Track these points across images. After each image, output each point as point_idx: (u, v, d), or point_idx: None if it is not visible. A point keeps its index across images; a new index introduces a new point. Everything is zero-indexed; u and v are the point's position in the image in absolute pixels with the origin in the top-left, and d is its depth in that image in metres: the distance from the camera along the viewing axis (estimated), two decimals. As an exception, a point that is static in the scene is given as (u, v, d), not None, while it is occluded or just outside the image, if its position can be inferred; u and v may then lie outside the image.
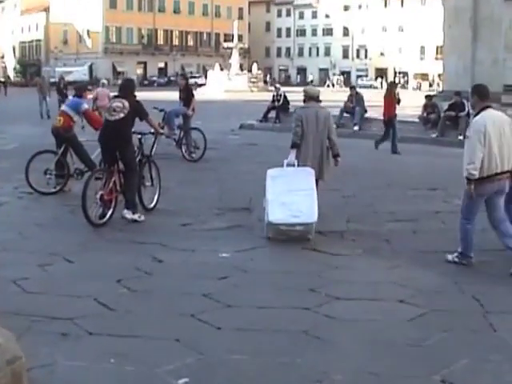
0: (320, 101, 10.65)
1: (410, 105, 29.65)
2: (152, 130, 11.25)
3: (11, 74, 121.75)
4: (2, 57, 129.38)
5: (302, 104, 10.68)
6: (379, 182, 14.03)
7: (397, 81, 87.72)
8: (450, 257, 8.11)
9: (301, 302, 6.53)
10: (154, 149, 11.53)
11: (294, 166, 9.89)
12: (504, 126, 7.80)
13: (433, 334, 5.77)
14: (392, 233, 9.61)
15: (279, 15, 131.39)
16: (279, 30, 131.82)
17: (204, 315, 6.11)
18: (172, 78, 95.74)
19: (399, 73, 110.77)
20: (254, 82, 75.47)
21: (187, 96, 17.73)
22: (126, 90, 10.69)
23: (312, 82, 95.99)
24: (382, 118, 20.89)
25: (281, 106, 28.51)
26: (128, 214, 10.07)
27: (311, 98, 10.44)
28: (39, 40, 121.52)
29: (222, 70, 77.52)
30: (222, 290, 6.95)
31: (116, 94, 10.90)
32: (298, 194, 9.23)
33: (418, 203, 11.86)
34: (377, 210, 11.19)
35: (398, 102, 20.89)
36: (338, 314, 6.25)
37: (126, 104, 10.23)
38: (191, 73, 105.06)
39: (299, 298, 6.73)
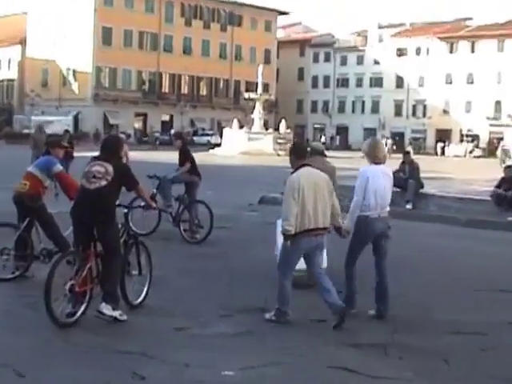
0: (325, 155, 13.59)
1: (481, 178, 29.46)
2: (142, 204, 11.05)
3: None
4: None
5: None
6: (436, 278, 13.72)
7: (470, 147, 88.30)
8: (267, 315, 10.14)
9: None
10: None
11: None
12: (319, 182, 10.10)
13: None
14: (452, 350, 9.27)
15: (316, 60, 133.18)
16: (315, 78, 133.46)
17: None
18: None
19: (467, 135, 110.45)
20: (281, 144, 75.75)
21: (184, 159, 17.65)
22: (110, 150, 10.41)
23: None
24: (445, 194, 20.55)
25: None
26: (106, 310, 9.78)
27: (316, 153, 13.05)
28: (11, 80, 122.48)
29: (241, 127, 78.34)
30: (220, 422, 6.63)
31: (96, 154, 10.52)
32: None
33: (487, 309, 11.55)
34: (432, 318, 10.87)
35: None
36: None
37: (110, 169, 9.97)
38: (203, 129, 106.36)
39: None
